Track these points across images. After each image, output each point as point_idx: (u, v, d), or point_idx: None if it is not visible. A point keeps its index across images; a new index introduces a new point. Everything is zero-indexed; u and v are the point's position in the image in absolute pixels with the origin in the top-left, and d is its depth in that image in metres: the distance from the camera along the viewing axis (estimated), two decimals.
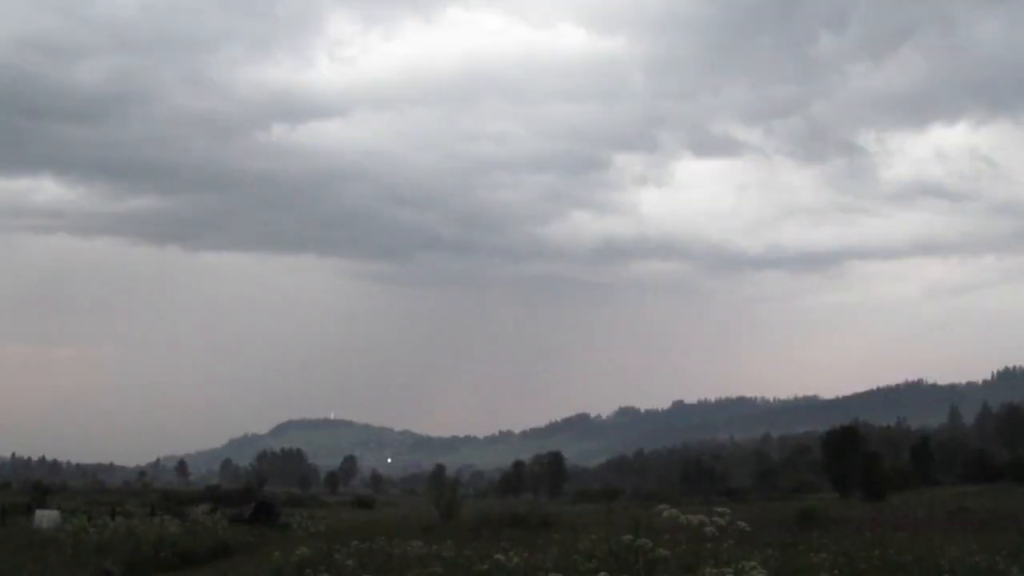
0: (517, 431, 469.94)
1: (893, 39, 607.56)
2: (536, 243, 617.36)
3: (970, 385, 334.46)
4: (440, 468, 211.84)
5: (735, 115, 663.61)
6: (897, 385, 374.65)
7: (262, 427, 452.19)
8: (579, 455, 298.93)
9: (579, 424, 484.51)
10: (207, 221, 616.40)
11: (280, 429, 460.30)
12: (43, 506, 55.11)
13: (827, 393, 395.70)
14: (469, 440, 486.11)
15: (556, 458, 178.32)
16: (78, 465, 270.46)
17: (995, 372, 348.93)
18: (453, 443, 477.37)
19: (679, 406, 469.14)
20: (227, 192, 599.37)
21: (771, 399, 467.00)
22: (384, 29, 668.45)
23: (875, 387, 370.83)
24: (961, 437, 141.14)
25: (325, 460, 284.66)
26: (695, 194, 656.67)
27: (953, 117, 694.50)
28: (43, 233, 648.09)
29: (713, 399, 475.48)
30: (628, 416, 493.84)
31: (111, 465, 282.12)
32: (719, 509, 10.68)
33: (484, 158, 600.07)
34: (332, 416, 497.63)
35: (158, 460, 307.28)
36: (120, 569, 26.09)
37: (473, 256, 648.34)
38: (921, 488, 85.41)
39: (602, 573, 10.74)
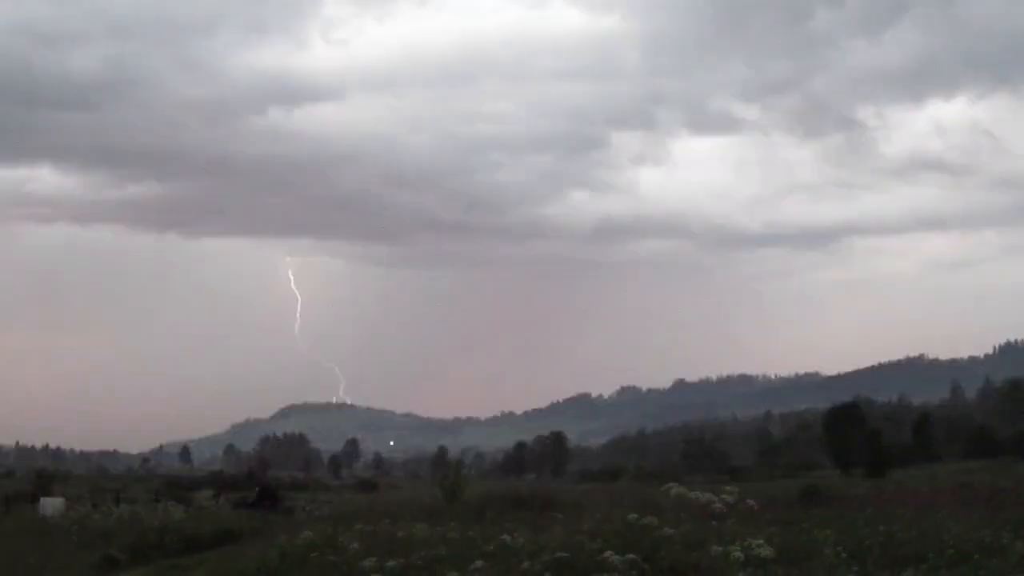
0: (519, 412, 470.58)
1: (890, 13, 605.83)
2: (535, 223, 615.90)
3: (972, 360, 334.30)
4: (443, 450, 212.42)
5: (732, 92, 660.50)
6: (898, 361, 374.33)
7: (264, 412, 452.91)
8: (581, 435, 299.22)
9: (581, 404, 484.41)
10: (206, 207, 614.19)
11: (282, 414, 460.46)
12: (47, 494, 55.22)
13: (828, 370, 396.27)
14: (471, 422, 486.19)
15: (558, 438, 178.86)
16: (81, 453, 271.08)
17: (997, 347, 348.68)
18: (455, 425, 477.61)
19: (680, 385, 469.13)
20: (225, 177, 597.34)
21: (772, 376, 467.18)
22: (378, 10, 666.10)
23: (876, 363, 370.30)
24: (963, 412, 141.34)
25: (328, 444, 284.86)
26: (693, 172, 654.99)
27: (952, 91, 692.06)
28: (43, 222, 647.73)
29: (714, 377, 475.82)
30: (630, 395, 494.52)
31: (114, 452, 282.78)
32: (728, 488, 10.68)
33: (481, 139, 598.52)
34: (334, 400, 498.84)
35: (161, 446, 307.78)
36: (125, 555, 26.14)
37: (472, 237, 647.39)
38: (923, 464, 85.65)
39: (608, 552, 10.76)
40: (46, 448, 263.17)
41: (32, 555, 22.67)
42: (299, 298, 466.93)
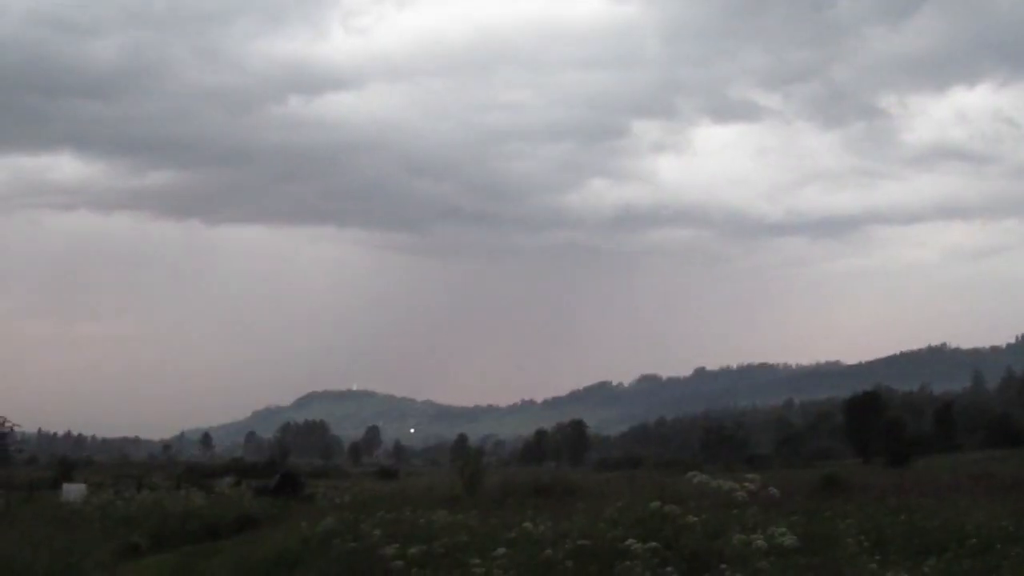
0: (539, 400, 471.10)
1: (912, 0, 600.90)
2: (555, 212, 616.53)
3: (993, 349, 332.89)
4: (463, 438, 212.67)
5: (753, 80, 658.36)
6: (920, 350, 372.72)
7: (285, 399, 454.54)
8: (600, 424, 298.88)
9: (600, 392, 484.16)
10: (226, 194, 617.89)
11: (303, 401, 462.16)
12: (70, 480, 55.50)
13: (849, 359, 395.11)
14: (491, 410, 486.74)
15: (578, 427, 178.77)
16: (103, 440, 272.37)
17: (1018, 336, 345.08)
18: (475, 413, 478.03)
19: (701, 373, 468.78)
20: (246, 165, 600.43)
21: (793, 365, 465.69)
22: None
23: (897, 352, 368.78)
24: (984, 402, 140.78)
25: (348, 431, 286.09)
26: (714, 160, 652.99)
27: (974, 79, 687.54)
28: (64, 210, 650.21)
29: (735, 366, 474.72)
30: (649, 384, 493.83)
31: (136, 439, 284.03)
32: (749, 475, 10.66)
33: (500, 127, 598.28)
34: (354, 387, 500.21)
35: (182, 433, 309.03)
36: (147, 541, 26.31)
37: (492, 226, 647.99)
38: (944, 453, 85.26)
39: (630, 539, 10.75)
40: (68, 435, 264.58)
41: (55, 541, 22.77)
42: (319, 286, 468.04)
